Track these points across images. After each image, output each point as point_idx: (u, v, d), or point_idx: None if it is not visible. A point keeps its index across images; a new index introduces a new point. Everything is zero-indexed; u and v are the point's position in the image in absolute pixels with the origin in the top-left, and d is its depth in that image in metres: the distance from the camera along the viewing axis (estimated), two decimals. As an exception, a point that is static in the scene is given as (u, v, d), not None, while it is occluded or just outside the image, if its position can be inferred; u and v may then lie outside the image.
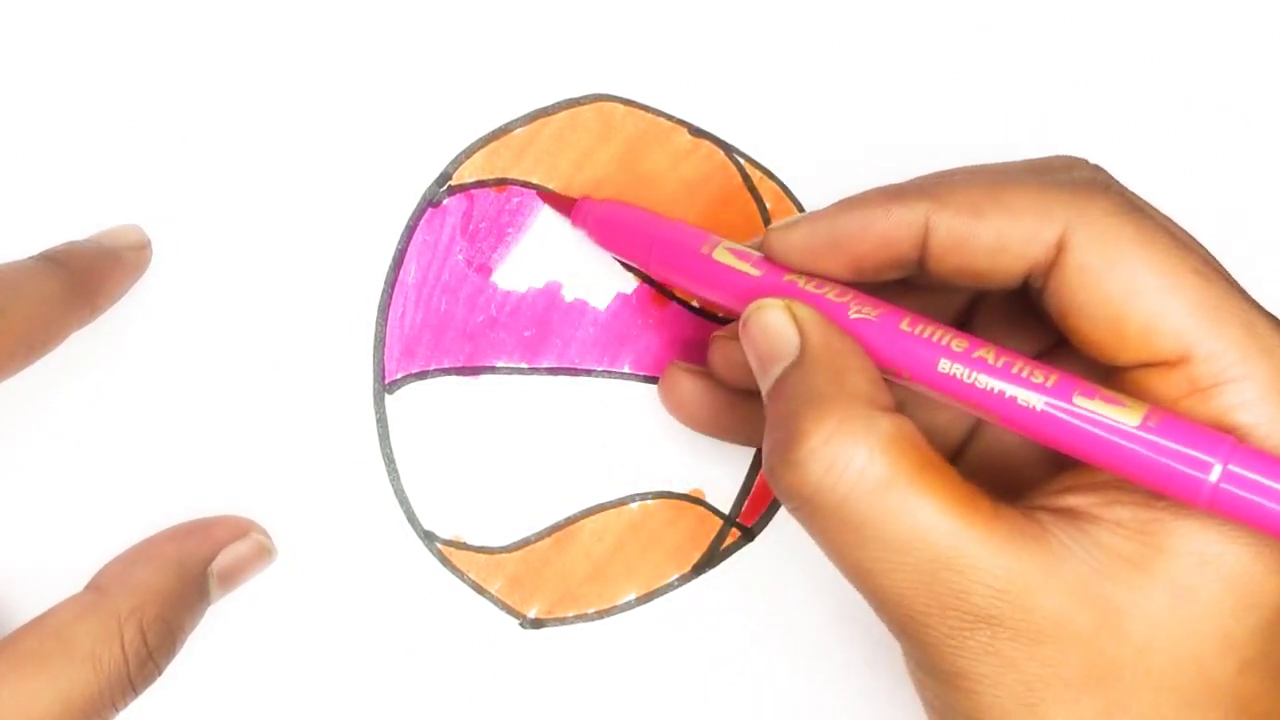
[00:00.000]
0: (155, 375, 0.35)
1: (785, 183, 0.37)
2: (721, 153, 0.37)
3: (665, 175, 0.37)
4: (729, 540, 0.37)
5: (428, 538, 0.36)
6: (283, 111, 0.36)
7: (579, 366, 0.37)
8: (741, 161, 0.37)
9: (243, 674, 0.36)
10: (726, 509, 0.37)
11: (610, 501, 0.37)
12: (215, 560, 0.34)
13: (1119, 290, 0.27)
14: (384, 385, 0.36)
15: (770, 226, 0.31)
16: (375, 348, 0.36)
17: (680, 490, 0.37)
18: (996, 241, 0.28)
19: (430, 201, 0.36)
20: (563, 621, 0.37)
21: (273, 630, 0.36)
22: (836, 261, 0.30)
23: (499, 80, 0.37)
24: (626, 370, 0.37)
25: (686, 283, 0.33)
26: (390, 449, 0.36)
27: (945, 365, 0.28)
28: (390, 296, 0.36)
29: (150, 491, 0.35)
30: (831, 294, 0.30)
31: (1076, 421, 0.26)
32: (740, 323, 0.30)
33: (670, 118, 0.37)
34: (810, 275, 0.30)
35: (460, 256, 0.37)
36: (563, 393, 0.37)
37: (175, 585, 0.33)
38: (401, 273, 0.36)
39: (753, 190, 0.37)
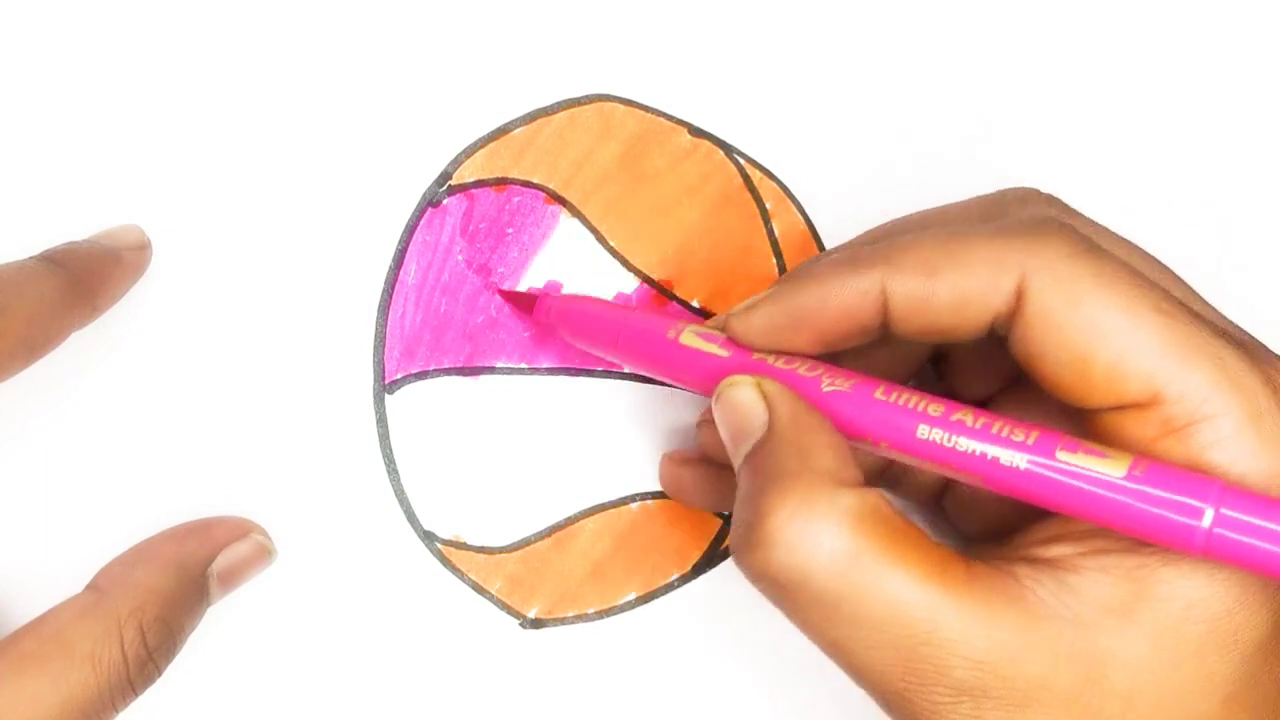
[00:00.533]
0: (155, 375, 0.35)
1: (785, 183, 0.37)
2: (721, 153, 0.37)
3: (665, 175, 0.37)
4: (729, 540, 0.37)
5: (428, 538, 0.36)
6: (283, 112, 0.36)
7: (579, 366, 0.37)
8: (741, 161, 0.37)
9: (243, 674, 0.35)
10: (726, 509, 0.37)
11: (610, 501, 0.37)
12: (215, 561, 0.34)
13: (1082, 334, 0.26)
14: (384, 385, 0.36)
15: (730, 311, 0.31)
16: (375, 348, 0.36)
17: (680, 490, 0.37)
18: (956, 298, 0.28)
19: (430, 201, 0.36)
20: (563, 621, 0.37)
21: (273, 630, 0.36)
22: (800, 338, 0.30)
23: (499, 80, 0.37)
24: (626, 370, 0.37)
25: (657, 369, 0.33)
26: (390, 449, 0.36)
27: (924, 431, 0.27)
28: (390, 296, 0.36)
29: (150, 491, 0.35)
30: (802, 369, 0.29)
31: (1061, 478, 0.26)
32: (713, 399, 0.30)
33: (670, 118, 0.37)
34: (778, 353, 0.30)
35: (460, 256, 0.36)
36: (563, 393, 0.37)
37: (175, 586, 0.32)
38: (401, 273, 0.36)
39: (753, 190, 0.37)
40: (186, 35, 0.36)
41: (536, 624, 0.37)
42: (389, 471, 0.36)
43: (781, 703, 0.37)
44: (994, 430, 0.27)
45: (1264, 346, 0.28)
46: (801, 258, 0.37)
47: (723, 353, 0.31)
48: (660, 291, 0.37)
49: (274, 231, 0.36)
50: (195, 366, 0.35)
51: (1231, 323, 0.29)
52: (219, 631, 0.35)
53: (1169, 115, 0.39)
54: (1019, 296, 0.27)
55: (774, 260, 0.37)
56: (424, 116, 0.36)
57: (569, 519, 0.37)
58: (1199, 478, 0.25)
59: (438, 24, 0.36)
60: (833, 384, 0.29)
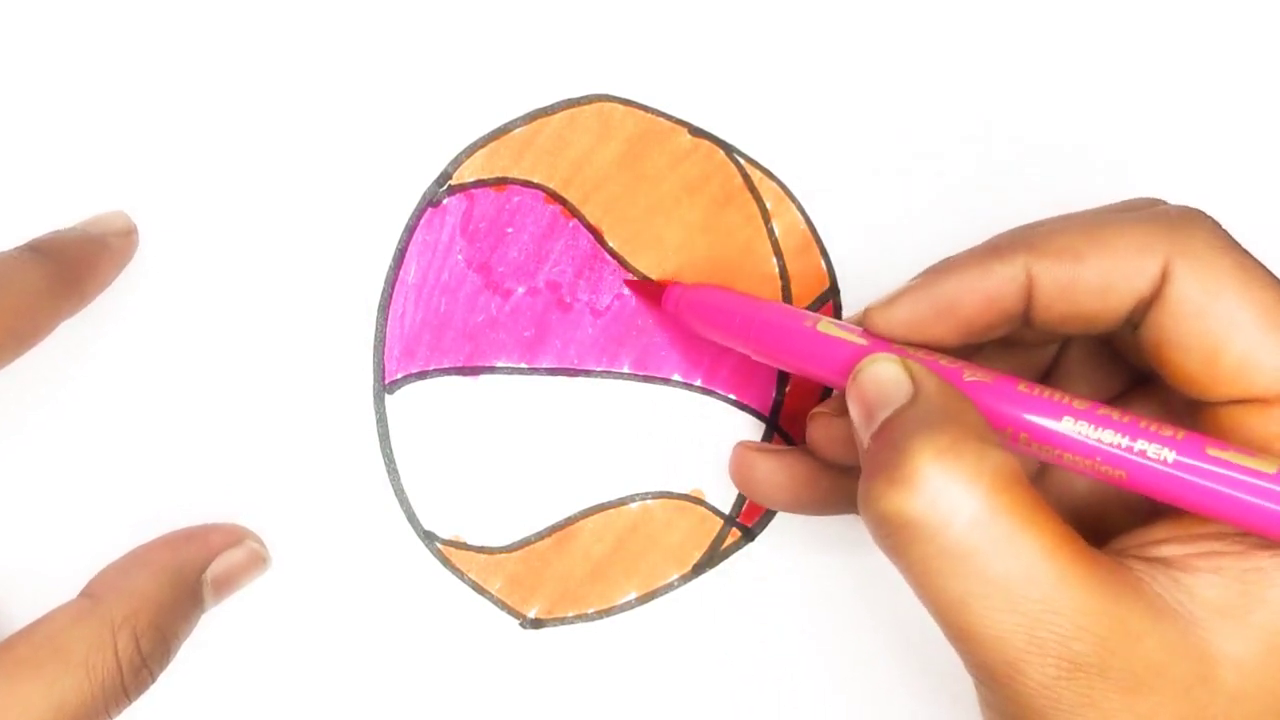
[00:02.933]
0: (155, 375, 0.35)
1: (785, 183, 0.37)
2: (721, 153, 0.37)
3: (665, 175, 0.37)
4: (729, 540, 0.37)
5: (428, 538, 0.36)
6: (283, 111, 0.36)
7: (579, 366, 0.37)
8: (741, 161, 0.37)
9: (243, 674, 0.35)
10: (726, 509, 0.37)
11: (610, 501, 0.37)
12: (210, 567, 0.33)
13: (1218, 324, 0.27)
14: (384, 385, 0.36)
15: (869, 305, 0.31)
16: (375, 348, 0.36)
17: (680, 490, 0.37)
18: (1101, 281, 0.28)
19: (430, 201, 0.36)
20: (563, 621, 0.36)
21: (273, 630, 0.35)
22: (943, 328, 0.29)
23: (499, 80, 0.36)
24: (626, 370, 0.37)
25: (790, 360, 0.32)
26: (390, 449, 0.36)
27: (1069, 424, 0.27)
28: (390, 296, 0.36)
29: (148, 491, 0.35)
30: (942, 360, 0.29)
31: (1206, 481, 0.25)
32: (850, 378, 0.29)
33: (670, 118, 0.37)
34: (917, 345, 0.30)
35: (460, 256, 0.36)
36: (563, 393, 0.37)
37: (169, 593, 0.32)
38: (401, 272, 0.36)
39: (753, 190, 0.37)
40: (187, 35, 0.35)
41: (536, 624, 0.36)
42: (389, 471, 0.36)
43: (782, 702, 0.37)
44: (1141, 425, 0.26)
45: None
46: (802, 258, 0.37)
47: (861, 341, 0.30)
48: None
49: (274, 231, 0.35)
50: (195, 367, 0.35)
51: None
52: (219, 631, 0.35)
53: (1169, 114, 0.38)
54: (1163, 281, 0.27)
55: (774, 260, 0.37)
56: (424, 116, 0.36)
57: (569, 519, 0.36)
58: None
59: (438, 24, 0.36)
60: (974, 375, 0.28)
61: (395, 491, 0.36)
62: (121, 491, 0.35)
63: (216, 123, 0.35)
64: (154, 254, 0.35)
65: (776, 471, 0.34)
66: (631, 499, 0.37)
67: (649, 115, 0.37)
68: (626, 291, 0.37)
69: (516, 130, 0.36)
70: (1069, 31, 0.38)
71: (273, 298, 0.35)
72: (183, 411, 0.35)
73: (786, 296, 0.37)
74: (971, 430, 0.26)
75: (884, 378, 0.28)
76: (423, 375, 0.36)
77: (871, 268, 0.37)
